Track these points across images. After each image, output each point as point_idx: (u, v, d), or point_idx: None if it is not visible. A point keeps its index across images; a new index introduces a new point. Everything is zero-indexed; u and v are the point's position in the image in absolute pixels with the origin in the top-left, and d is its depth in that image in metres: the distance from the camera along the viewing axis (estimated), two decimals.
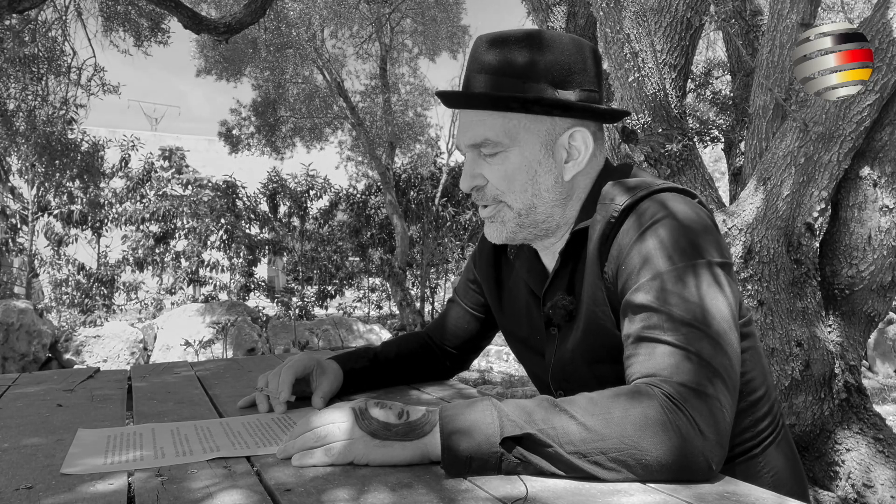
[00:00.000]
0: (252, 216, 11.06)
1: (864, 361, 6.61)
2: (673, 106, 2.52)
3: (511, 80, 0.99)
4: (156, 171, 10.58)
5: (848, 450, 2.34)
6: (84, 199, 9.92)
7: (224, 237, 10.38)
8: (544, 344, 1.11)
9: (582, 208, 1.04)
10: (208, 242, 10.42)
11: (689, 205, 0.94)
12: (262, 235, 11.12)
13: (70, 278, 9.77)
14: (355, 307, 12.02)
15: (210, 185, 10.56)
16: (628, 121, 2.47)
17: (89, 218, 9.98)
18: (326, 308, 11.45)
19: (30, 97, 6.83)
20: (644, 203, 0.95)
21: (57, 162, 7.62)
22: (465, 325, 1.32)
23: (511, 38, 1.00)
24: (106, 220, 10.22)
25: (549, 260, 1.10)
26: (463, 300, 1.32)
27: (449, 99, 1.07)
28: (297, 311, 10.09)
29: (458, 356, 1.36)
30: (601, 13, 2.44)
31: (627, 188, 0.98)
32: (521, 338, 1.18)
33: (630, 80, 2.42)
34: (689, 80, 3.37)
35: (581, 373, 1.04)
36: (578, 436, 0.76)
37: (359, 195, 12.01)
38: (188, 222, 10.31)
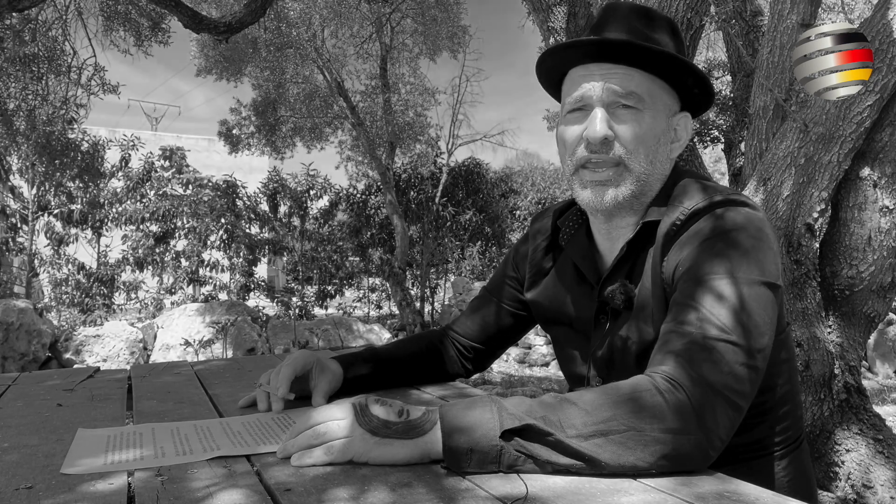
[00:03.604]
0: (252, 216, 11.06)
1: (863, 362, 6.61)
2: None
3: (659, 45, 1.03)
4: (156, 171, 10.59)
5: (848, 450, 2.34)
6: (84, 199, 9.92)
7: (224, 237, 10.38)
8: (591, 330, 1.11)
9: (656, 197, 1.06)
10: (208, 242, 10.42)
11: (749, 221, 0.95)
12: (262, 235, 11.13)
13: (70, 278, 9.77)
14: (355, 307, 12.02)
15: (210, 184, 10.56)
16: None
17: (89, 217, 9.98)
18: (326, 308, 11.45)
19: (30, 97, 6.82)
20: (713, 211, 0.97)
21: (57, 161, 7.62)
22: (498, 321, 1.32)
23: (652, 15, 1.06)
24: (106, 220, 10.22)
25: (606, 244, 1.11)
26: (497, 297, 1.32)
27: (602, 45, 1.02)
28: (297, 310, 10.09)
29: (485, 351, 1.35)
30: None
31: (699, 192, 1.00)
32: (565, 322, 1.18)
33: None
34: None
35: (627, 362, 1.05)
36: (580, 419, 0.77)
37: (359, 195, 12.01)
38: (188, 222, 10.31)
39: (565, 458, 0.77)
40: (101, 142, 8.98)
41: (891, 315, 6.92)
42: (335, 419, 0.83)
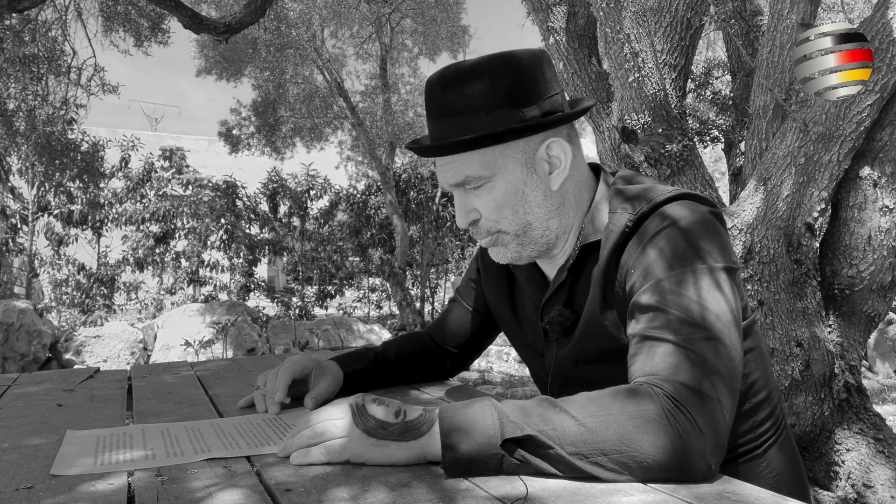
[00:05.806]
0: (252, 216, 11.06)
1: (864, 361, 6.60)
2: (673, 106, 2.52)
3: (473, 116, 0.98)
4: (156, 171, 10.59)
5: (848, 450, 2.34)
6: (84, 199, 9.92)
7: (224, 237, 10.38)
8: (544, 348, 1.13)
9: (587, 216, 1.05)
10: (208, 242, 10.42)
11: (695, 211, 0.95)
12: (262, 235, 11.12)
13: (70, 278, 9.78)
14: (355, 307, 12.02)
15: (210, 185, 10.56)
16: (628, 121, 2.47)
17: (89, 218, 9.98)
18: (326, 308, 11.45)
19: (30, 97, 6.82)
20: (656, 211, 0.96)
21: (57, 162, 7.62)
22: (468, 325, 1.33)
23: (461, 74, 0.99)
24: (106, 220, 10.22)
25: (549, 269, 1.12)
26: (465, 300, 1.33)
27: (422, 151, 1.05)
28: (297, 311, 10.09)
29: (459, 356, 1.37)
30: (601, 13, 2.44)
31: (636, 196, 0.99)
32: (523, 340, 1.20)
33: (630, 80, 2.42)
34: (689, 81, 3.37)
35: (580, 374, 1.05)
36: (579, 437, 0.76)
37: (359, 195, 12.01)
38: (188, 222, 10.31)
39: (564, 471, 0.77)
40: (100, 142, 8.99)
41: (891, 315, 6.92)
42: (333, 419, 0.84)
